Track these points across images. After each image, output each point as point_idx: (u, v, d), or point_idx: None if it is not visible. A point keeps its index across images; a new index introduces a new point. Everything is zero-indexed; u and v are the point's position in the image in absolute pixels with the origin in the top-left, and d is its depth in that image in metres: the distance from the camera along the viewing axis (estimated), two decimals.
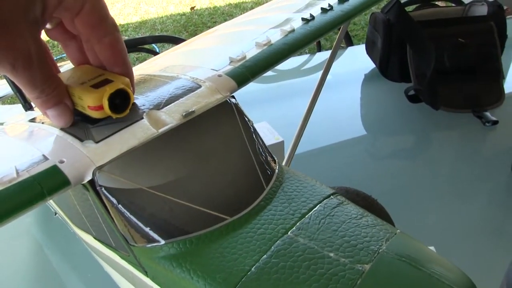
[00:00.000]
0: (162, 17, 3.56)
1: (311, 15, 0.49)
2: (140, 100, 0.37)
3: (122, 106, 0.35)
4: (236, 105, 0.40)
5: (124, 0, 3.94)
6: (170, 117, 0.35)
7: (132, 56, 2.57)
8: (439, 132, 0.91)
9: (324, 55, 1.22)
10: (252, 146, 0.39)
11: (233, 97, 0.40)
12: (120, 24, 3.45)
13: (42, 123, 0.37)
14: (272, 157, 0.40)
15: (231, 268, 0.31)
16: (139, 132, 0.34)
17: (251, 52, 0.44)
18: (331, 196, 0.37)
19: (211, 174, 0.36)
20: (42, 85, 0.33)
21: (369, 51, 1.10)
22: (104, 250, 0.38)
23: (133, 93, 0.36)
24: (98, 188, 0.32)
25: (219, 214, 0.34)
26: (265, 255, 0.32)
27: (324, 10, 0.51)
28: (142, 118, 0.35)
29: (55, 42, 0.39)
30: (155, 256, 0.33)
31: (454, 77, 0.96)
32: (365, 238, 0.33)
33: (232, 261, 0.32)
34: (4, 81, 0.73)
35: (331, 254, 0.32)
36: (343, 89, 1.05)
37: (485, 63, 0.98)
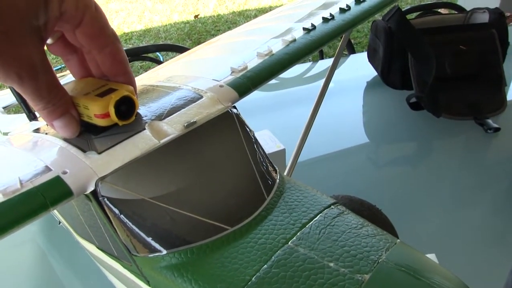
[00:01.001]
0: (166, 25, 3.58)
1: (312, 25, 0.50)
2: (142, 110, 0.38)
3: (128, 113, 0.36)
4: (238, 115, 0.40)
5: (128, 9, 3.96)
6: (172, 127, 0.36)
7: (136, 64, 2.59)
8: (441, 140, 0.91)
9: (327, 62, 1.22)
10: (253, 156, 0.39)
11: (234, 107, 0.40)
12: (124, 33, 3.47)
13: (46, 133, 0.38)
14: (273, 166, 0.41)
15: (232, 278, 0.32)
16: (141, 143, 0.34)
17: (253, 62, 0.44)
18: (332, 206, 0.37)
19: (213, 184, 0.36)
20: (48, 95, 0.33)
21: (371, 59, 1.10)
22: (107, 260, 0.39)
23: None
24: (100, 198, 0.33)
25: (220, 224, 0.34)
26: (265, 265, 0.32)
27: (325, 20, 0.51)
28: (144, 128, 0.35)
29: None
30: (157, 266, 0.33)
31: (456, 84, 0.96)
32: (365, 248, 0.33)
33: (233, 271, 0.32)
34: (8, 90, 0.74)
35: (331, 264, 0.32)
36: (346, 97, 1.05)
37: (486, 70, 0.98)
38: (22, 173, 0.32)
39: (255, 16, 3.53)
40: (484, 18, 1.03)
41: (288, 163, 0.57)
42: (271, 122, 0.95)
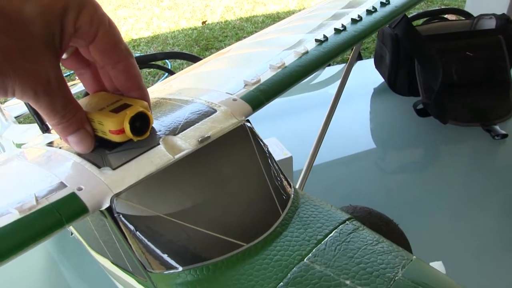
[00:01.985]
0: (173, 31, 3.59)
1: (324, 36, 0.50)
2: (156, 125, 0.38)
3: (143, 129, 0.36)
4: (251, 129, 0.40)
5: (136, 15, 3.98)
6: (186, 142, 0.36)
7: (144, 71, 2.60)
8: (448, 146, 0.91)
9: (334, 69, 1.22)
10: (268, 171, 0.39)
11: (248, 121, 0.40)
12: (132, 39, 3.49)
13: (60, 147, 0.38)
14: (287, 181, 0.41)
15: None
16: (156, 158, 0.34)
17: (266, 75, 0.44)
18: (347, 222, 0.37)
19: (227, 200, 0.36)
20: (62, 110, 0.33)
21: (378, 65, 1.10)
22: (122, 275, 0.39)
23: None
24: (115, 215, 0.33)
25: (235, 240, 0.34)
26: (281, 283, 0.32)
27: (337, 31, 0.51)
28: (159, 144, 0.35)
29: None
30: (172, 283, 0.33)
31: (462, 91, 0.96)
32: (381, 265, 0.33)
33: None
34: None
35: (347, 282, 0.32)
36: (353, 103, 1.05)
37: (493, 76, 0.98)
38: (37, 189, 0.32)
39: (263, 22, 3.54)
40: (491, 24, 1.03)
41: (300, 175, 0.57)
42: (278, 129, 0.95)
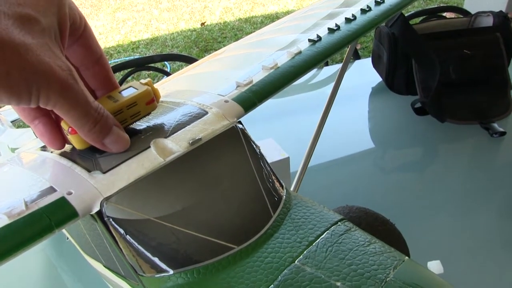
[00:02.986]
0: (172, 33, 3.60)
1: (318, 36, 0.49)
2: (147, 127, 0.38)
3: None
4: (243, 130, 0.40)
5: (135, 18, 3.99)
6: (177, 145, 0.35)
7: (144, 73, 2.60)
8: (446, 144, 0.91)
9: (331, 69, 1.22)
10: (259, 173, 0.39)
11: (240, 122, 0.40)
12: (131, 41, 3.50)
13: (51, 152, 0.38)
14: (279, 182, 0.40)
15: None
16: (146, 162, 0.34)
17: (258, 76, 0.44)
18: (339, 223, 0.37)
19: (218, 202, 0.36)
20: (94, 112, 0.32)
21: (375, 65, 1.10)
22: (114, 278, 0.39)
23: None
24: (105, 219, 0.33)
25: (226, 243, 0.34)
26: (272, 285, 0.32)
27: (331, 30, 0.51)
28: (149, 146, 0.35)
29: None
30: (163, 286, 0.33)
31: (460, 89, 0.96)
32: (373, 266, 0.33)
33: None
34: None
35: (338, 284, 0.32)
36: (351, 103, 1.05)
37: (491, 74, 0.98)
38: (27, 194, 0.32)
39: (261, 22, 3.55)
40: (489, 21, 1.02)
41: (296, 176, 0.56)
42: (275, 130, 0.95)
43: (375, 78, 1.11)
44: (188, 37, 3.50)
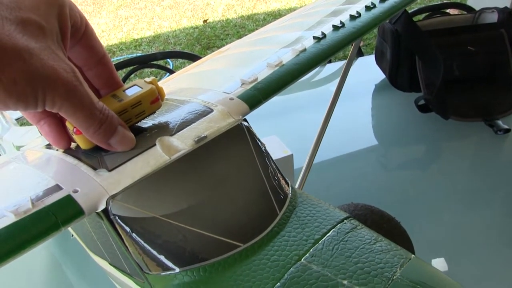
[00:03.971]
0: (175, 30, 3.61)
1: (322, 33, 0.49)
2: (153, 125, 0.38)
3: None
4: (248, 128, 0.40)
5: (138, 15, 3.99)
6: (183, 143, 0.35)
7: (146, 71, 2.61)
8: (450, 141, 0.91)
9: (335, 66, 1.22)
10: (265, 170, 0.38)
11: (245, 120, 0.40)
12: (134, 39, 3.50)
13: (57, 150, 0.38)
14: (285, 180, 0.40)
15: None
16: (152, 160, 0.34)
17: (263, 73, 0.44)
18: (345, 221, 0.37)
19: (224, 200, 0.36)
20: (99, 113, 0.32)
21: (379, 61, 1.10)
22: (120, 276, 0.39)
23: None
24: (111, 217, 0.33)
25: (232, 241, 0.34)
26: (278, 283, 0.32)
27: (335, 28, 0.51)
28: (155, 144, 0.35)
29: None
30: (169, 284, 0.33)
31: (464, 86, 0.96)
32: (379, 264, 0.33)
33: None
34: None
35: (345, 282, 0.32)
36: (354, 100, 1.05)
37: (495, 71, 0.98)
38: (33, 192, 0.31)
39: (264, 19, 3.54)
40: (493, 18, 1.02)
41: (300, 173, 0.56)
42: (279, 127, 0.95)
43: (379, 75, 1.11)
44: (190, 35, 3.50)
